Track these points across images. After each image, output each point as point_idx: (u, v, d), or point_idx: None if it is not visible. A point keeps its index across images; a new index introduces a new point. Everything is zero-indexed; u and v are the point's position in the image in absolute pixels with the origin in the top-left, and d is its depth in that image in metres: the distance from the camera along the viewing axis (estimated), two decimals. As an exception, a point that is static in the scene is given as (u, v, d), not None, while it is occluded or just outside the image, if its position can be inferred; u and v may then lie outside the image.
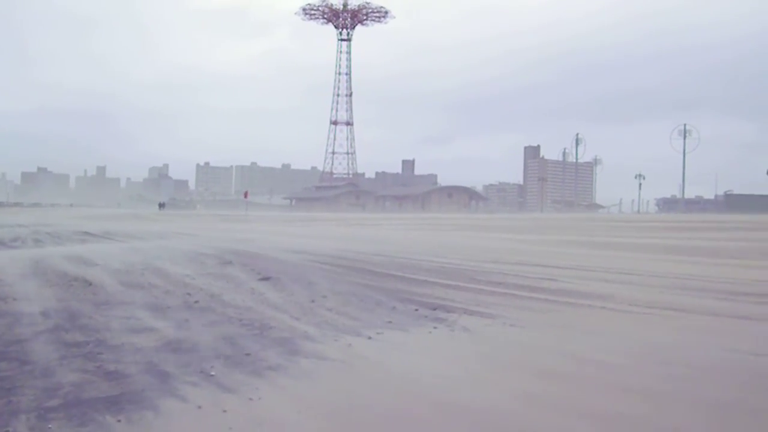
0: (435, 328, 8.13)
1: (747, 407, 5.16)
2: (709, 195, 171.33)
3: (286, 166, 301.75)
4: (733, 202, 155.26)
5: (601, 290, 11.09)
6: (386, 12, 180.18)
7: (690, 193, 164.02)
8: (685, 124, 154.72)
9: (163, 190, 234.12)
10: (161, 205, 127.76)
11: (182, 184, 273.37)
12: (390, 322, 8.49)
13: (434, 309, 9.30)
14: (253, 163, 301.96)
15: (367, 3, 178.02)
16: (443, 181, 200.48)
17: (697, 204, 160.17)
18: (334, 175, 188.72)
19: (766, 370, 6.09)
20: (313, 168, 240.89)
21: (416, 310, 9.27)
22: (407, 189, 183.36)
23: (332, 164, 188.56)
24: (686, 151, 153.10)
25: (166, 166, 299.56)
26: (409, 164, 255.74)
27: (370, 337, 7.56)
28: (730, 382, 5.75)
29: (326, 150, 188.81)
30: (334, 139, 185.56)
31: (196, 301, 9.97)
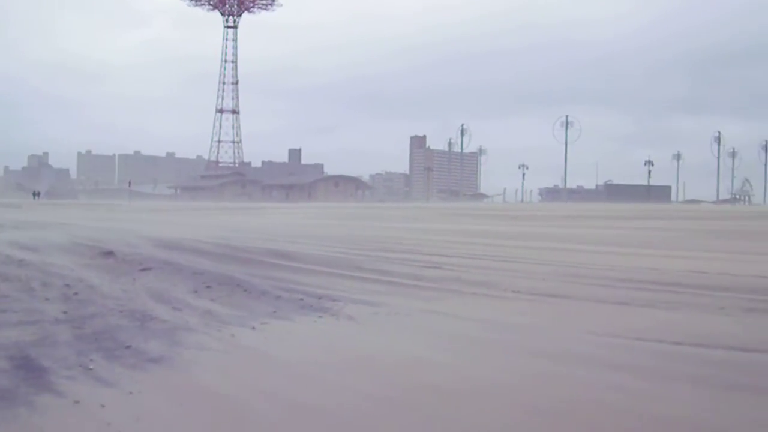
0: (320, 317, 8.11)
1: (584, 382, 5.28)
2: (590, 185, 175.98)
3: (170, 155, 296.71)
4: (612, 192, 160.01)
5: (485, 278, 11.25)
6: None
7: (572, 183, 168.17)
8: (567, 116, 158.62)
9: (43, 179, 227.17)
10: (35, 194, 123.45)
11: (63, 173, 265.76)
12: (275, 311, 8.42)
13: (319, 298, 9.27)
14: (137, 152, 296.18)
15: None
16: (330, 170, 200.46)
17: (579, 193, 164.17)
18: (220, 164, 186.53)
19: (615, 352, 6.25)
20: (199, 157, 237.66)
21: (301, 299, 9.23)
22: (294, 178, 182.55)
23: (218, 153, 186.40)
24: (568, 142, 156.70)
25: (46, 154, 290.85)
26: (295, 153, 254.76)
27: (254, 327, 7.48)
28: (580, 363, 5.86)
29: (212, 139, 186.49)
30: (220, 127, 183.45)
31: (75, 293, 9.71)
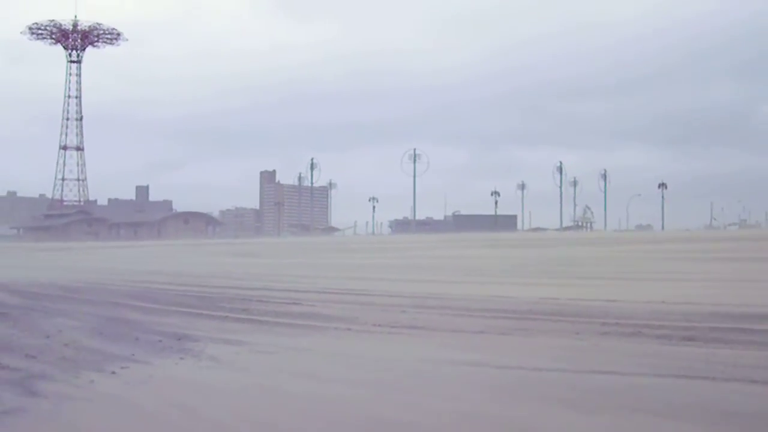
0: (181, 358, 7.90)
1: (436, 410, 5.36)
2: (439, 216, 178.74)
3: (11, 194, 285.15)
4: (461, 222, 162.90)
5: (345, 313, 11.25)
6: (118, 34, 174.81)
7: (421, 215, 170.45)
8: (415, 149, 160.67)
9: None
10: None
11: None
12: (133, 354, 8.16)
13: (179, 339, 9.06)
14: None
15: (99, 24, 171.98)
16: (179, 206, 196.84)
17: (428, 224, 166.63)
18: (65, 203, 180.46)
19: (477, 379, 6.36)
20: (42, 195, 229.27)
21: (160, 340, 8.98)
22: (142, 216, 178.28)
23: (62, 191, 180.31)
24: (417, 175, 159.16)
25: None
26: (143, 190, 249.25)
27: (113, 372, 7.21)
28: (436, 395, 5.92)
29: (56, 176, 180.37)
30: (64, 165, 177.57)
31: None
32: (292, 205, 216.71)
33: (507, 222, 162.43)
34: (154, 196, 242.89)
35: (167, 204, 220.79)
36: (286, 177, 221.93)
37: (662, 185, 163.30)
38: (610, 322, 9.45)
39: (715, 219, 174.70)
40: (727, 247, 39.27)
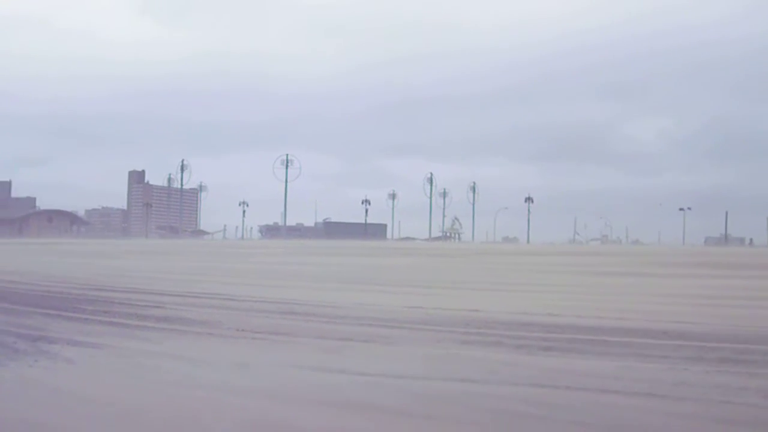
0: (36, 361, 7.64)
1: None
2: (309, 222, 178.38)
3: None
4: (331, 229, 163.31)
5: (208, 317, 11.12)
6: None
7: (292, 221, 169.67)
8: (287, 155, 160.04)
9: None
10: None
11: None
12: (-16, 357, 7.84)
13: (35, 341, 8.76)
14: None
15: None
16: (43, 204, 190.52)
17: (298, 230, 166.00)
18: None
19: (335, 387, 6.39)
20: None
21: (14, 342, 8.67)
22: (2, 212, 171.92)
23: None
24: (288, 180, 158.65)
25: None
26: (5, 186, 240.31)
27: (-39, 375, 6.92)
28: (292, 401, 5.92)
29: None
30: None
31: None
32: (161, 207, 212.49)
33: (377, 230, 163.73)
34: (16, 192, 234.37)
35: (30, 201, 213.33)
36: (155, 178, 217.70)
37: (528, 199, 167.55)
38: (471, 332, 9.63)
39: (578, 234, 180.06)
40: (588, 261, 40.60)
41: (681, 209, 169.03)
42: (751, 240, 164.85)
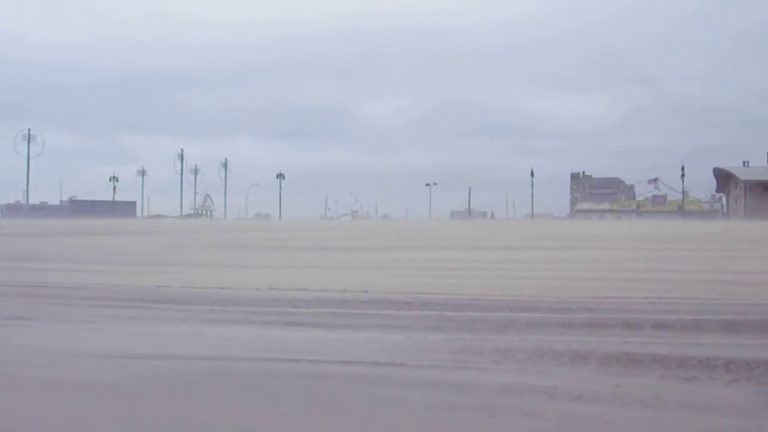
0: None
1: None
2: (54, 201, 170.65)
3: None
4: (77, 208, 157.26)
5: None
6: None
7: (35, 199, 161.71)
8: (29, 129, 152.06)
9: None
10: None
11: None
12: None
13: None
14: None
15: None
16: None
17: (43, 209, 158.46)
18: None
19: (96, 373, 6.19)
20: None
21: None
22: None
23: None
24: (31, 157, 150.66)
25: None
26: None
27: None
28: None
29: None
30: None
31: None
32: None
33: (126, 208, 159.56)
34: None
35: None
36: None
37: (280, 176, 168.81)
38: (217, 309, 9.56)
39: (329, 209, 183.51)
40: (337, 235, 41.39)
41: (427, 185, 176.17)
42: (492, 213, 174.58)
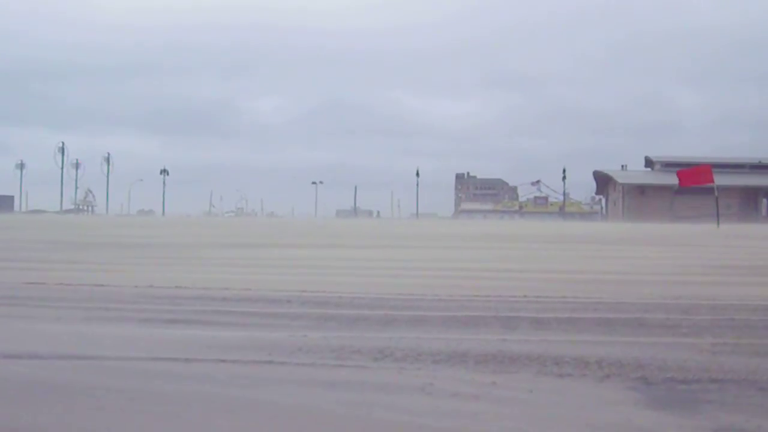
0: None
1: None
2: None
3: None
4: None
5: None
6: None
7: None
8: None
9: None
10: None
11: None
12: None
13: None
14: None
15: None
16: None
17: None
18: None
19: None
20: None
21: None
22: None
23: None
24: None
25: None
26: None
27: None
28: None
29: None
30: None
31: None
32: None
33: (4, 202, 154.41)
34: None
35: None
36: None
37: (164, 171, 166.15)
38: (93, 307, 9.32)
39: (213, 206, 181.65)
40: (220, 233, 41.00)
41: (313, 183, 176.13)
42: (378, 212, 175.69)
